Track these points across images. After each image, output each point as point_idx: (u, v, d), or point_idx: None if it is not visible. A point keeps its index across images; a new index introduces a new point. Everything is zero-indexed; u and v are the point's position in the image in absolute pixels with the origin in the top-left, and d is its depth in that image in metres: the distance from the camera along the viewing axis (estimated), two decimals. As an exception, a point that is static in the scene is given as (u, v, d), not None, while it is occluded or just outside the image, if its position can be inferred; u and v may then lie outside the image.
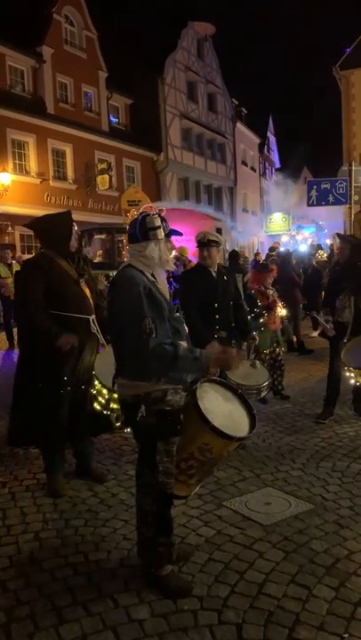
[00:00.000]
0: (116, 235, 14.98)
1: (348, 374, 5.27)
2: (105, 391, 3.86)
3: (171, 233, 2.93)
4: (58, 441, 4.08)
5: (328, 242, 19.04)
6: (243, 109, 36.02)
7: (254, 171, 38.46)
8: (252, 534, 3.32)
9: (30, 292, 3.95)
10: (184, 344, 2.80)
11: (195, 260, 17.69)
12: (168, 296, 2.89)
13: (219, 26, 30.23)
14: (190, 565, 3.02)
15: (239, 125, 34.62)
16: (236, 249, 19.16)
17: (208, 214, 25.69)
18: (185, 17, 27.87)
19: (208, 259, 4.81)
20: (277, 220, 31.47)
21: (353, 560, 3.04)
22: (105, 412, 3.89)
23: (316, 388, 6.92)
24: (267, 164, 42.37)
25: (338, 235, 7.50)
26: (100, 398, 3.92)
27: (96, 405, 3.95)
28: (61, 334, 3.85)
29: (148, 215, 2.80)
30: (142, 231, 2.78)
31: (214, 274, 4.84)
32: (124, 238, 17.37)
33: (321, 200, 12.50)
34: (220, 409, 2.85)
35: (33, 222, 4.30)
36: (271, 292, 6.69)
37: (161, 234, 2.78)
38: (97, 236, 16.63)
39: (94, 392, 3.96)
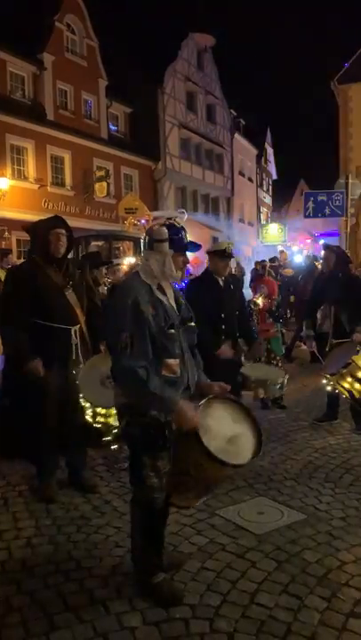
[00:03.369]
0: (113, 242, 15.00)
1: (324, 381, 5.36)
2: (88, 404, 3.87)
3: (187, 247, 2.83)
4: (47, 448, 4.04)
5: (323, 253, 19.19)
6: (241, 120, 36.25)
7: (251, 181, 38.66)
8: (245, 543, 3.33)
9: (9, 303, 3.90)
10: (173, 362, 2.71)
11: (190, 270, 17.52)
12: (175, 307, 2.82)
13: (218, 37, 30.40)
14: (182, 574, 3.02)
15: (237, 136, 34.83)
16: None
17: (205, 224, 25.80)
18: (185, 28, 28.09)
19: (224, 270, 4.76)
20: (273, 231, 31.64)
21: (345, 571, 3.04)
22: (95, 425, 3.88)
23: (310, 398, 6.94)
24: (264, 176, 42.60)
25: (324, 245, 7.59)
26: (88, 411, 3.93)
27: (87, 417, 3.93)
28: (29, 360, 3.78)
29: (158, 226, 2.77)
30: (150, 241, 2.77)
31: (222, 283, 4.78)
32: (121, 245, 17.44)
33: (318, 212, 12.59)
34: (224, 430, 2.74)
35: (26, 226, 4.32)
36: (261, 300, 6.76)
37: (166, 247, 2.72)
38: (94, 243, 16.66)
39: (83, 404, 3.95)
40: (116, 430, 3.83)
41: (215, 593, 2.85)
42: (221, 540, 3.39)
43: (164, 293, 2.78)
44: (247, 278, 16.21)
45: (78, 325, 3.99)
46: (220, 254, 4.73)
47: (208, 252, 4.88)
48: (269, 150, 43.71)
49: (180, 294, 2.94)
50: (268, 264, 13.98)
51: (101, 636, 2.54)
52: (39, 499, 3.97)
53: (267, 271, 12.03)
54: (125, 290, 2.75)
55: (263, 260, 14.89)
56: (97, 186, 21.93)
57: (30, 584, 2.94)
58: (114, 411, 3.71)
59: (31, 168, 19.72)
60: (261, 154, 40.74)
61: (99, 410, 3.89)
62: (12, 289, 3.99)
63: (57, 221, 4.08)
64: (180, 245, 2.77)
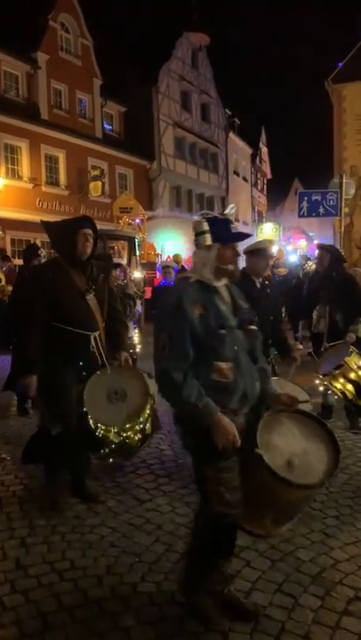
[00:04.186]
0: (108, 241, 14.99)
1: (317, 382, 5.37)
2: (93, 422, 3.73)
3: (234, 238, 2.60)
4: (61, 457, 3.90)
5: (317, 252, 19.31)
6: (236, 120, 36.29)
7: (246, 181, 38.71)
8: (239, 542, 3.31)
9: (32, 297, 3.81)
10: (224, 365, 2.45)
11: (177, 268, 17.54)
12: (231, 307, 2.61)
13: (213, 36, 30.44)
14: (177, 573, 3.02)
15: (232, 136, 34.87)
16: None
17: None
18: (180, 27, 28.09)
19: (264, 270, 4.51)
20: (268, 231, 31.69)
21: (339, 569, 3.05)
22: (97, 434, 3.75)
23: (304, 397, 6.94)
24: (258, 175, 42.66)
25: (318, 244, 7.60)
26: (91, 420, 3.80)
27: (90, 424, 3.79)
28: (28, 373, 3.68)
29: (196, 219, 2.59)
30: (195, 238, 2.60)
31: (259, 285, 4.47)
32: (116, 245, 17.41)
33: (312, 211, 12.59)
34: (291, 446, 2.51)
35: (44, 224, 4.09)
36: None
37: (208, 240, 2.52)
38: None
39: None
40: (114, 446, 3.77)
41: (209, 592, 2.85)
42: (216, 539, 3.39)
43: (215, 292, 2.57)
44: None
45: (98, 332, 3.84)
46: (260, 253, 4.45)
47: (245, 252, 4.48)
48: (264, 150, 43.77)
49: (239, 294, 2.73)
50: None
51: (96, 635, 2.54)
52: (45, 506, 3.81)
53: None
54: (172, 290, 2.70)
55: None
56: (91, 185, 21.90)
57: (24, 584, 2.94)
58: (114, 428, 3.73)
59: (25, 167, 19.67)
60: (256, 153, 40.79)
61: (108, 427, 3.76)
62: (34, 290, 3.88)
63: (85, 221, 3.92)
64: (225, 237, 2.54)
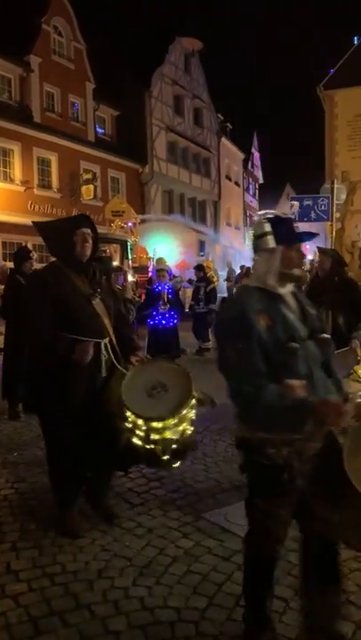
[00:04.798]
0: (100, 244, 14.94)
1: None
2: (140, 421, 3.19)
3: (299, 238, 2.40)
4: (68, 475, 3.54)
5: (309, 257, 19.36)
6: (228, 125, 36.45)
7: (238, 185, 38.84)
8: (231, 546, 3.33)
9: (36, 307, 3.45)
10: (297, 383, 2.16)
11: (177, 272, 17.52)
12: (299, 316, 2.37)
13: (206, 41, 30.66)
14: (168, 577, 3.02)
15: (224, 140, 35.01)
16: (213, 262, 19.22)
17: (192, 227, 25.86)
18: (173, 32, 28.21)
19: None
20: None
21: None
22: (147, 447, 3.21)
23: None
24: (250, 180, 42.83)
25: (319, 248, 7.61)
26: (137, 431, 3.22)
27: (135, 440, 3.24)
28: (74, 346, 3.31)
29: (257, 221, 2.39)
30: (253, 241, 2.38)
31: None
32: (107, 248, 17.39)
33: (303, 216, 12.66)
34: None
35: (37, 225, 3.80)
36: None
37: (270, 242, 2.29)
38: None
39: (129, 425, 3.25)
40: (176, 445, 3.23)
41: (201, 596, 2.85)
42: (208, 543, 3.39)
43: (281, 300, 2.33)
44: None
45: (108, 338, 3.50)
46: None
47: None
48: (256, 155, 43.96)
49: (306, 300, 2.49)
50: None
51: (87, 639, 2.53)
52: (61, 532, 3.48)
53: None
54: (233, 299, 2.37)
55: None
56: (84, 188, 21.92)
57: (15, 588, 2.91)
58: (172, 421, 3.19)
59: (17, 170, 19.64)
60: (248, 158, 40.97)
61: (154, 424, 3.19)
62: (33, 298, 3.54)
63: (83, 221, 3.61)
64: (289, 237, 2.32)
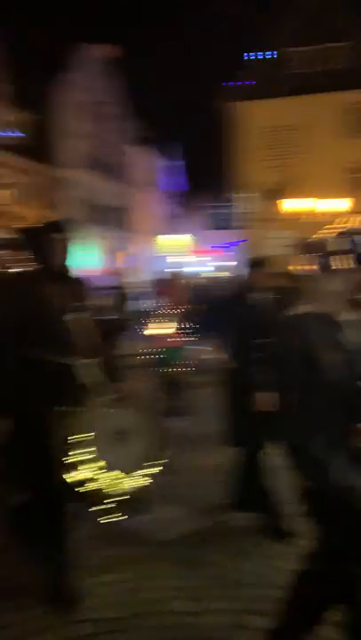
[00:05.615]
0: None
1: None
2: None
3: None
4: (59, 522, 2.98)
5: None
6: (143, 131, 36.45)
7: (152, 193, 38.92)
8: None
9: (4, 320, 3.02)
10: None
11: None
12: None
13: (119, 48, 30.50)
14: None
15: (138, 147, 34.99)
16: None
17: (103, 235, 25.63)
18: (86, 37, 27.98)
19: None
20: (175, 242, 31.84)
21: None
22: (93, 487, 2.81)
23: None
24: (164, 187, 43.02)
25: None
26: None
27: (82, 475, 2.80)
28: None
29: (334, 236, 2.09)
30: (322, 258, 2.03)
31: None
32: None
33: (216, 224, 12.95)
34: None
35: (23, 231, 3.48)
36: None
37: (349, 261, 1.99)
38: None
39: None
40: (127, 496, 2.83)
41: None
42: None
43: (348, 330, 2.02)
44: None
45: (90, 359, 3.04)
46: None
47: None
48: (171, 162, 44.25)
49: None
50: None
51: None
52: (55, 605, 2.86)
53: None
54: (294, 327, 2.00)
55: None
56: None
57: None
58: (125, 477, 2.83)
59: None
60: (164, 165, 41.15)
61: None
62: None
63: (59, 226, 3.22)
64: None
